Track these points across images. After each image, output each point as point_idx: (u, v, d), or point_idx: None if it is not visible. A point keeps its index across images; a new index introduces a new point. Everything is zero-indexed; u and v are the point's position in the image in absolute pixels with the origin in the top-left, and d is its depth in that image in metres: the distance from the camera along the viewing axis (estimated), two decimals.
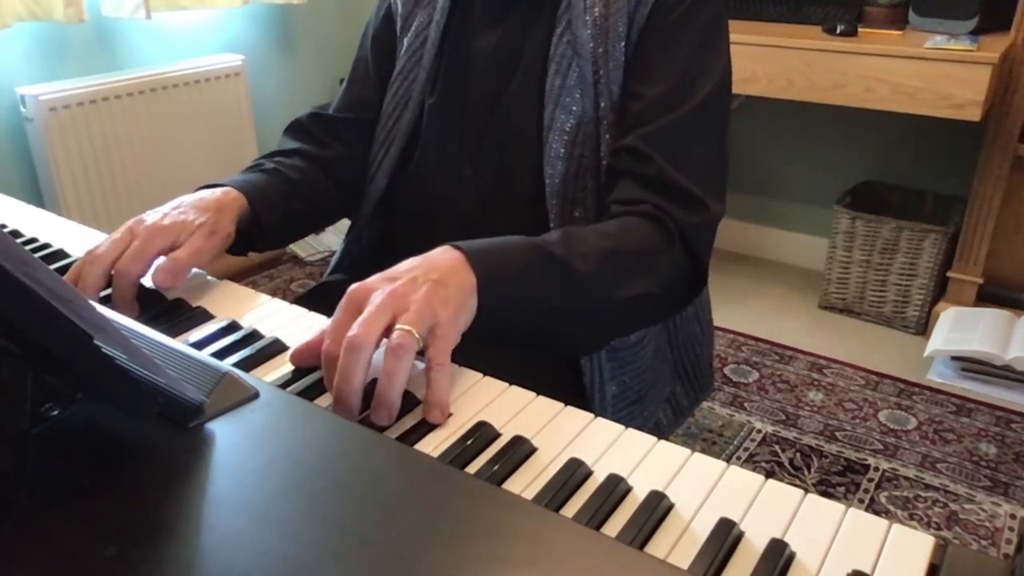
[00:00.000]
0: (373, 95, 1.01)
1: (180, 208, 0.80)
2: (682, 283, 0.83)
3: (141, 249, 0.74)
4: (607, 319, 0.78)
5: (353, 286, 0.62)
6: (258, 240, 0.90)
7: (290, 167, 0.96)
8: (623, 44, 0.84)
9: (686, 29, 0.84)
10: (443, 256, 0.65)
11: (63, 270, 0.81)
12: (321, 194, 0.98)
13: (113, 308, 0.72)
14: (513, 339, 0.72)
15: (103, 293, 0.75)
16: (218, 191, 0.84)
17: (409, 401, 0.59)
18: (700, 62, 0.84)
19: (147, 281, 0.75)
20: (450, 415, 0.58)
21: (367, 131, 1.00)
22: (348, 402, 0.57)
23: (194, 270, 0.79)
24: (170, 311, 0.73)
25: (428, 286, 0.61)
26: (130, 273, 0.73)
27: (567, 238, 0.74)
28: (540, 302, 0.71)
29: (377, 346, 0.58)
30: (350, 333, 0.57)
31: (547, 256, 0.71)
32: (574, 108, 0.86)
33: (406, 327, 0.58)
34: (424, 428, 0.57)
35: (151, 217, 0.78)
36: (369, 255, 1.04)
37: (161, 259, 0.75)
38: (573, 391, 0.90)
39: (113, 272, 0.73)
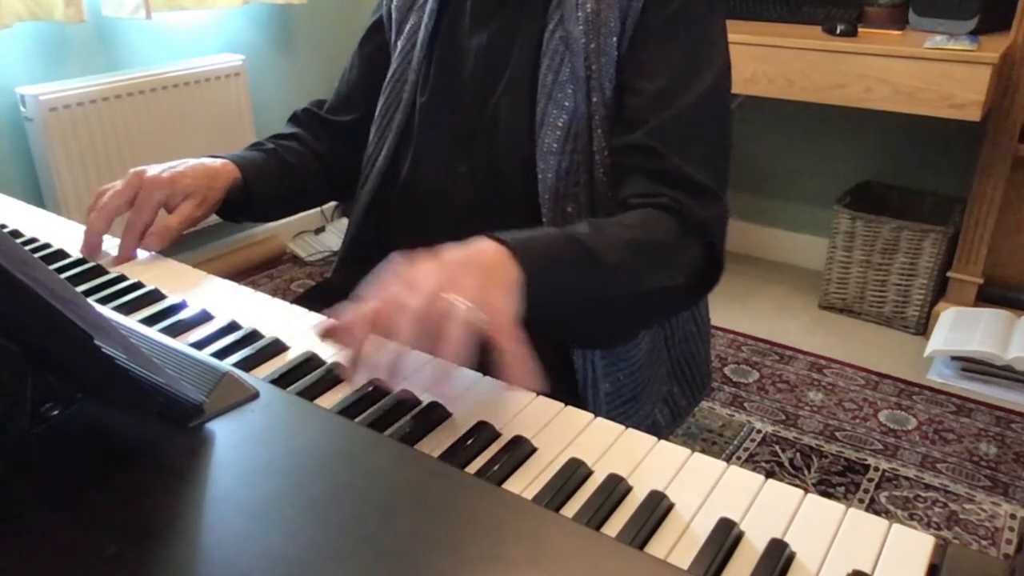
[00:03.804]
0: (356, 95, 1.07)
1: (179, 167, 0.90)
2: (700, 275, 0.83)
3: (144, 201, 0.86)
4: (634, 310, 0.78)
5: (397, 263, 0.60)
6: (250, 210, 0.99)
7: (287, 149, 1.04)
8: (615, 39, 0.85)
9: (682, 22, 0.84)
10: (488, 248, 0.63)
11: (63, 270, 0.81)
12: (311, 178, 1.06)
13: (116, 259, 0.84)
14: (546, 332, 0.69)
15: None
16: (217, 160, 0.95)
17: (407, 402, 0.59)
18: (699, 54, 0.84)
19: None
20: (449, 416, 0.58)
21: (352, 131, 1.06)
22: (387, 362, 0.54)
23: (195, 270, 0.82)
24: (169, 311, 0.73)
25: (479, 272, 0.59)
26: (135, 225, 0.86)
27: (594, 228, 0.74)
28: (577, 294, 0.71)
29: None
30: (405, 298, 0.55)
31: (582, 247, 0.71)
32: (567, 104, 0.86)
33: (465, 303, 0.55)
34: (424, 427, 0.57)
35: (152, 170, 0.88)
36: (364, 254, 1.04)
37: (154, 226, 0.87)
38: (566, 388, 0.90)
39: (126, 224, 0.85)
